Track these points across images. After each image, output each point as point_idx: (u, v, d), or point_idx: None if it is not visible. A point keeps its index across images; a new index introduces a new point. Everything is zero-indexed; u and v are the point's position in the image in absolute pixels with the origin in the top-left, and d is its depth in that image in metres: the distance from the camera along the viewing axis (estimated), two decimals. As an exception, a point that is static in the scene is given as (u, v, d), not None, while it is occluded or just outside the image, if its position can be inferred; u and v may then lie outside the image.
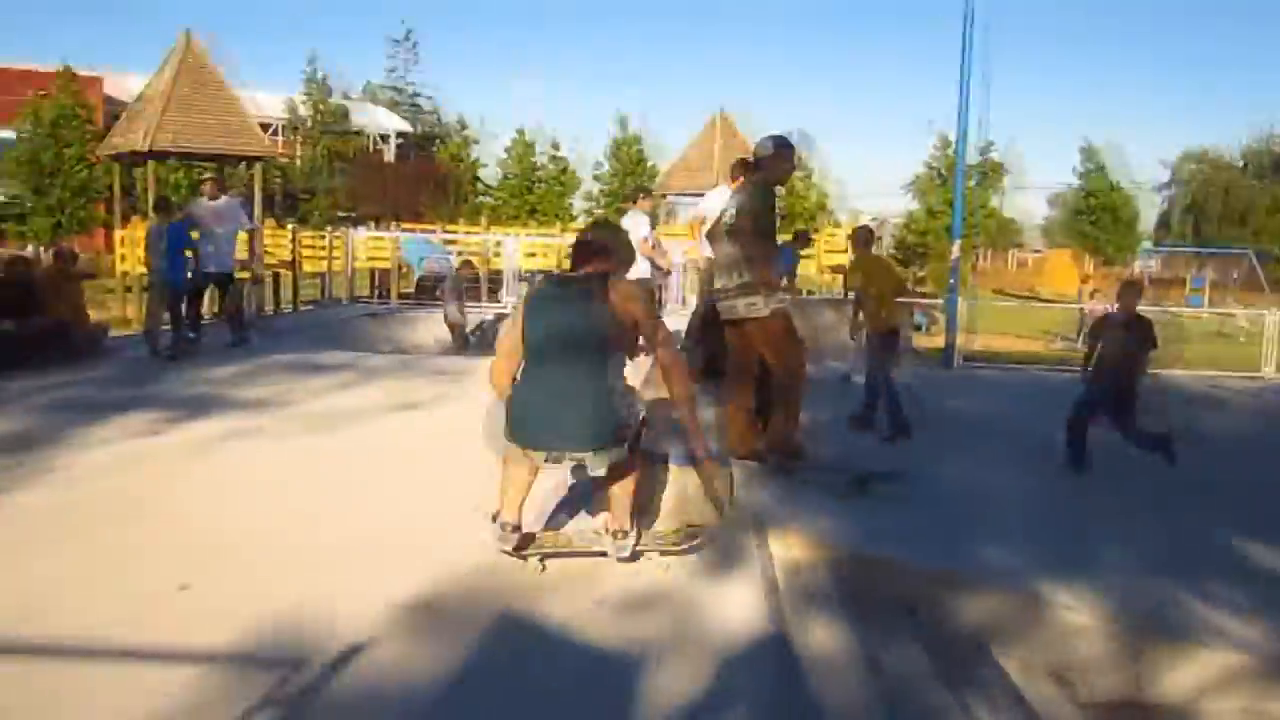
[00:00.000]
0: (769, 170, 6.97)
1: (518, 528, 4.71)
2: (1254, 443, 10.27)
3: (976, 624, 4.90)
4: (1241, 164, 53.41)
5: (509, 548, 4.71)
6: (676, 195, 29.84)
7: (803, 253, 14.28)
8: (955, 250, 16.93)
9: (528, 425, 4.45)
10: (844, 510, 5.96)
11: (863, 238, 9.75)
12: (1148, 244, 47.47)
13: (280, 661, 3.78)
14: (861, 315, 9.28)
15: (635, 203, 12.09)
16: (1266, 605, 5.24)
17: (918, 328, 20.12)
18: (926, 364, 16.18)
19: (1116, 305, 8.24)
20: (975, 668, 4.60)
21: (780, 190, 7.58)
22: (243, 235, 15.70)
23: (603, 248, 4.64)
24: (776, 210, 7.05)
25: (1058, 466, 7.76)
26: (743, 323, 6.77)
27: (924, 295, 27.27)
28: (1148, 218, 53.53)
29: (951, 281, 16.69)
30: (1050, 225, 61.76)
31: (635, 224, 11.05)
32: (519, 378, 4.58)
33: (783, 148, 6.93)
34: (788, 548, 5.19)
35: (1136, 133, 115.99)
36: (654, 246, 11.99)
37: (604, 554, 4.80)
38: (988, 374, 15.70)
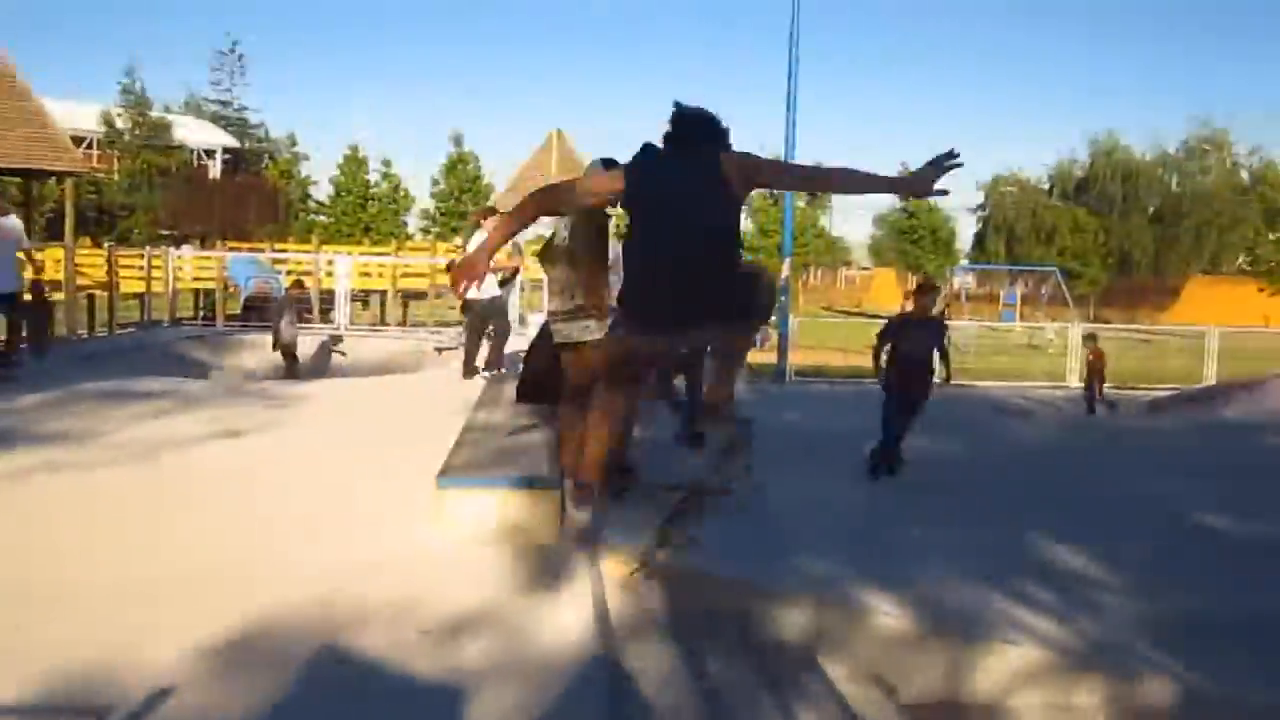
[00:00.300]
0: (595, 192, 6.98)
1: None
2: (1056, 450, 10.94)
3: (804, 634, 5.02)
4: (1048, 187, 56.97)
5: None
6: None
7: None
8: (785, 269, 17.45)
9: None
10: (675, 528, 6.03)
11: None
12: (965, 262, 50.09)
13: (83, 711, 3.55)
14: None
15: (483, 221, 12.29)
16: (1066, 603, 5.58)
17: (752, 344, 20.59)
18: (760, 379, 16.62)
19: (911, 306, 8.59)
20: (803, 677, 4.72)
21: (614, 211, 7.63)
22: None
23: None
24: (610, 233, 7.08)
25: (881, 477, 8.08)
26: (577, 346, 6.78)
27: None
28: (964, 237, 56.54)
29: (782, 299, 17.17)
30: (876, 244, 64.34)
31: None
32: None
33: (612, 169, 6.96)
34: (618, 567, 5.21)
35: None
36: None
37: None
38: (819, 388, 16.23)
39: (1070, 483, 8.90)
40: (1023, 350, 21.49)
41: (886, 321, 8.54)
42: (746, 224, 47.30)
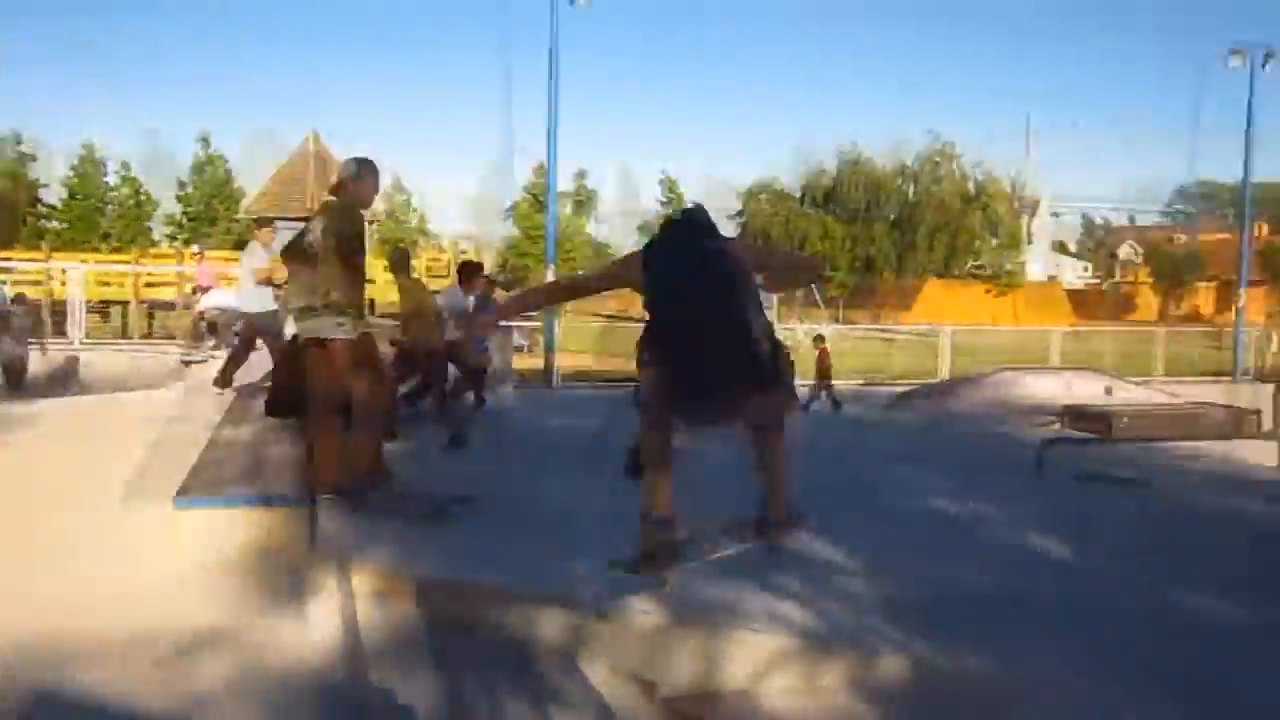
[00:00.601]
0: (354, 192, 6.82)
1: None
2: (801, 444, 11.51)
3: (560, 637, 5.04)
4: (799, 195, 60.00)
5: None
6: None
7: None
8: (550, 275, 17.56)
9: None
10: (427, 537, 5.92)
11: (397, 260, 10.36)
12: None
13: None
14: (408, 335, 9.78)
15: (257, 232, 11.97)
16: (810, 589, 5.88)
17: (519, 349, 20.57)
18: (528, 384, 16.64)
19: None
20: (561, 680, 4.73)
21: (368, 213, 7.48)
22: None
23: None
24: (365, 233, 6.92)
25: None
26: (326, 345, 6.57)
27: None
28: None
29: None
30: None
31: (251, 255, 11.43)
32: None
33: (366, 169, 6.81)
34: (369, 581, 5.07)
35: (712, 165, 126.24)
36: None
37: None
38: (585, 392, 16.39)
39: (811, 472, 9.37)
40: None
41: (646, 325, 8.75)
42: (512, 230, 47.35)
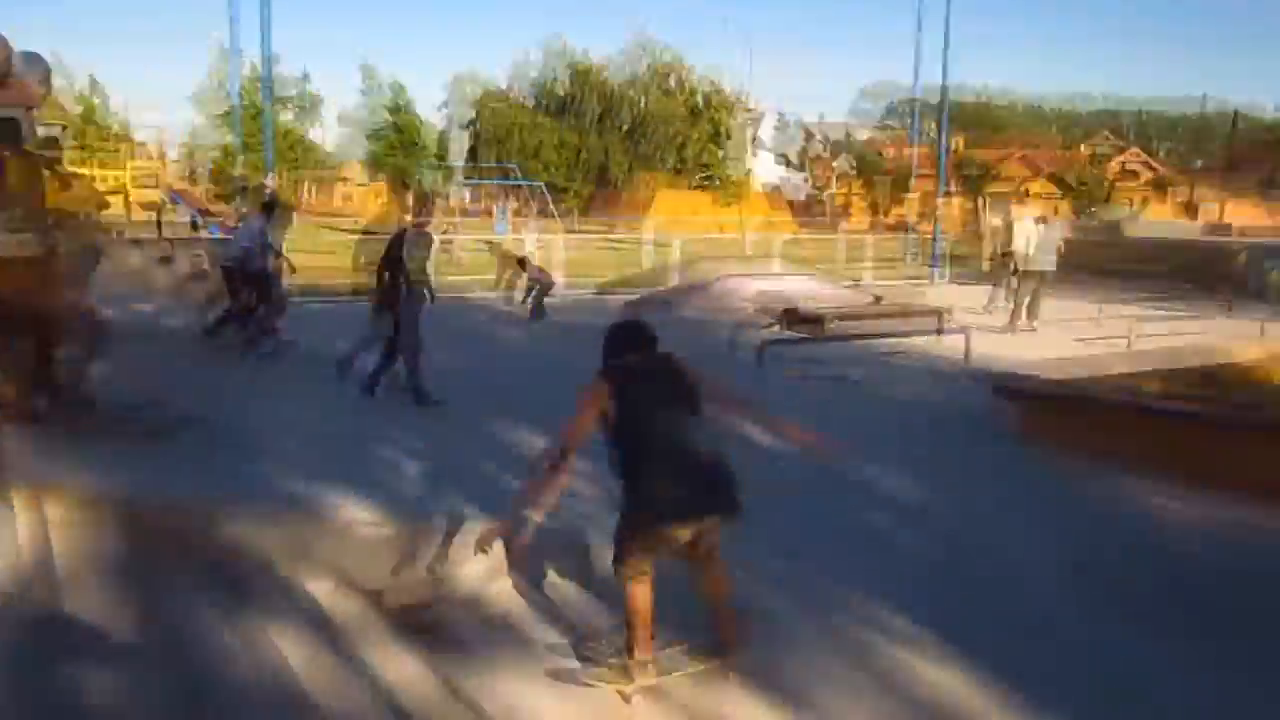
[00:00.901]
0: (17, 91, 6.15)
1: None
2: (534, 353, 11.64)
3: (284, 553, 4.90)
4: (533, 103, 59.46)
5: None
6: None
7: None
8: (269, 181, 16.60)
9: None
10: (141, 459, 5.59)
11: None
12: (460, 177, 50.94)
13: None
14: None
15: None
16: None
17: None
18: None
19: (410, 220, 8.64)
20: (280, 595, 4.60)
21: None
22: None
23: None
24: (27, 133, 6.29)
25: (371, 398, 8.11)
26: (8, 263, 5.97)
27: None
28: (456, 151, 57.44)
29: (274, 213, 16.33)
30: (371, 158, 63.44)
31: None
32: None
33: (32, 63, 6.16)
34: (64, 502, 4.72)
35: (450, 69, 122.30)
36: None
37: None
38: (315, 308, 15.71)
39: (544, 385, 9.52)
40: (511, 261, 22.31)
41: (390, 238, 8.47)
42: (227, 136, 44.34)
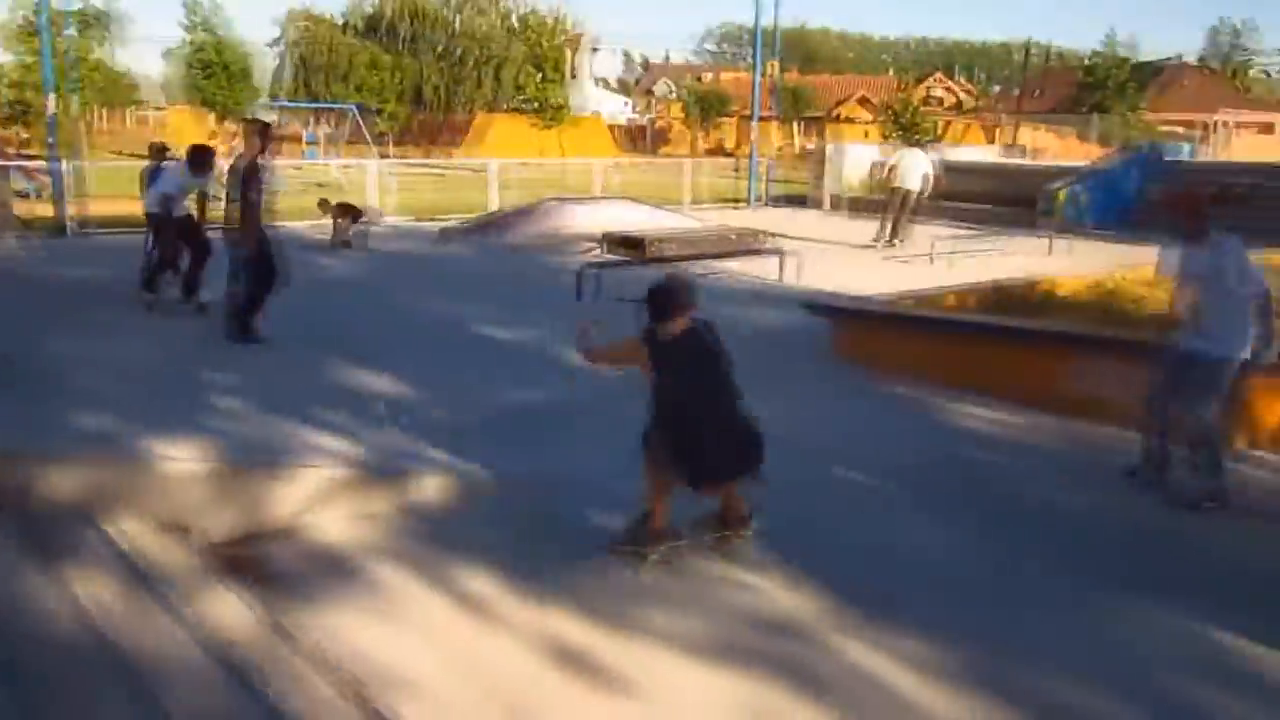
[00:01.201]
0: None
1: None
2: (355, 283, 11.34)
3: (82, 496, 4.66)
4: (342, 24, 56.77)
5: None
6: None
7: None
8: (50, 105, 15.36)
9: None
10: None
11: None
12: (265, 100, 48.45)
13: None
14: None
15: None
16: (361, 422, 5.92)
17: (24, 195, 17.92)
18: (34, 234, 14.72)
19: (244, 151, 8.22)
20: (85, 539, 4.40)
21: None
22: None
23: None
24: None
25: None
26: None
27: (30, 158, 24.36)
28: (263, 73, 54.46)
29: (50, 141, 15.19)
30: (169, 81, 59.47)
31: None
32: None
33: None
34: None
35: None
36: None
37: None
38: (108, 240, 14.77)
39: (363, 308, 9.36)
40: (325, 190, 21.52)
41: (240, 173, 8.04)
42: (6, 57, 40.64)
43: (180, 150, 10.24)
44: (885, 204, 15.59)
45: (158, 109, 60.78)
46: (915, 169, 15.32)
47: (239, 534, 4.74)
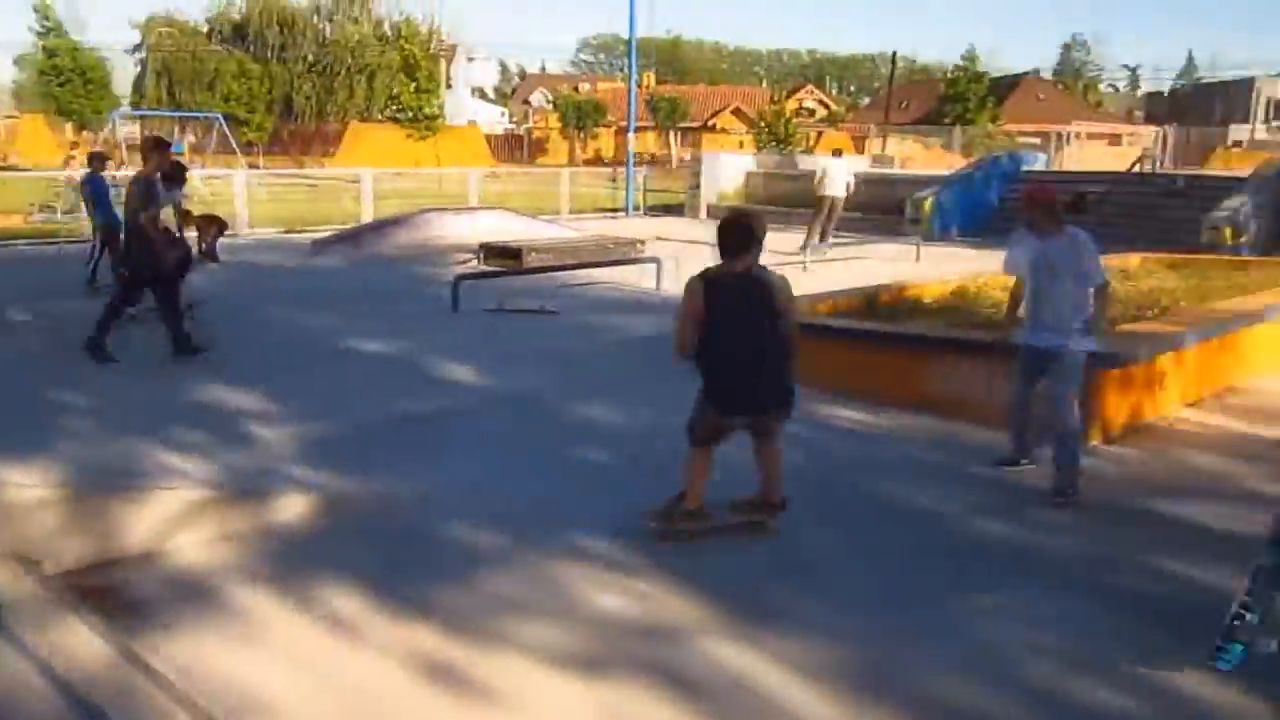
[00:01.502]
0: None
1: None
2: (219, 295, 10.97)
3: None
4: (206, 30, 54.94)
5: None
6: None
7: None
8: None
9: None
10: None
11: None
12: (125, 108, 46.46)
13: None
14: None
15: None
16: (221, 441, 5.72)
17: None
18: None
19: (145, 164, 8.10)
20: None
21: None
22: None
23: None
24: None
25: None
26: None
27: None
28: (122, 81, 52.41)
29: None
30: (20, 88, 56.67)
31: None
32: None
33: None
34: None
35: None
36: None
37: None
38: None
39: (230, 323, 9.04)
40: (188, 202, 20.76)
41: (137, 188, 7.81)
42: None
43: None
44: (814, 212, 15.98)
45: (9, 117, 57.90)
46: (840, 177, 15.93)
47: (91, 561, 4.51)
